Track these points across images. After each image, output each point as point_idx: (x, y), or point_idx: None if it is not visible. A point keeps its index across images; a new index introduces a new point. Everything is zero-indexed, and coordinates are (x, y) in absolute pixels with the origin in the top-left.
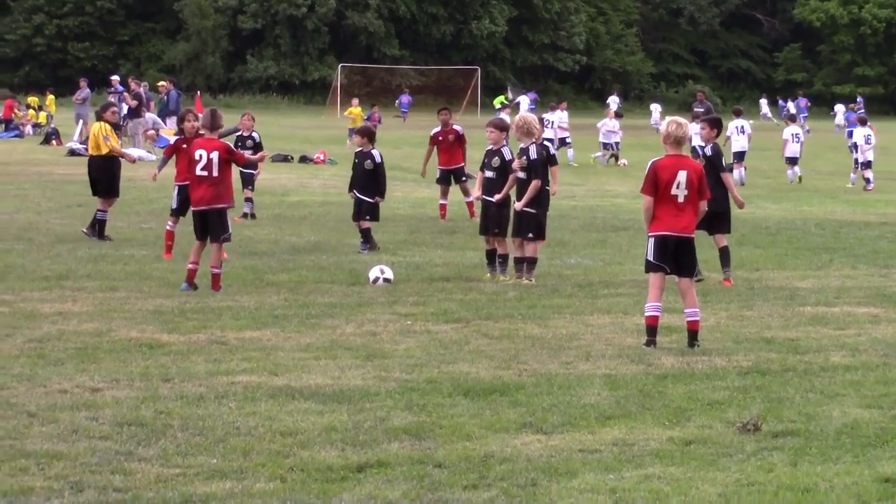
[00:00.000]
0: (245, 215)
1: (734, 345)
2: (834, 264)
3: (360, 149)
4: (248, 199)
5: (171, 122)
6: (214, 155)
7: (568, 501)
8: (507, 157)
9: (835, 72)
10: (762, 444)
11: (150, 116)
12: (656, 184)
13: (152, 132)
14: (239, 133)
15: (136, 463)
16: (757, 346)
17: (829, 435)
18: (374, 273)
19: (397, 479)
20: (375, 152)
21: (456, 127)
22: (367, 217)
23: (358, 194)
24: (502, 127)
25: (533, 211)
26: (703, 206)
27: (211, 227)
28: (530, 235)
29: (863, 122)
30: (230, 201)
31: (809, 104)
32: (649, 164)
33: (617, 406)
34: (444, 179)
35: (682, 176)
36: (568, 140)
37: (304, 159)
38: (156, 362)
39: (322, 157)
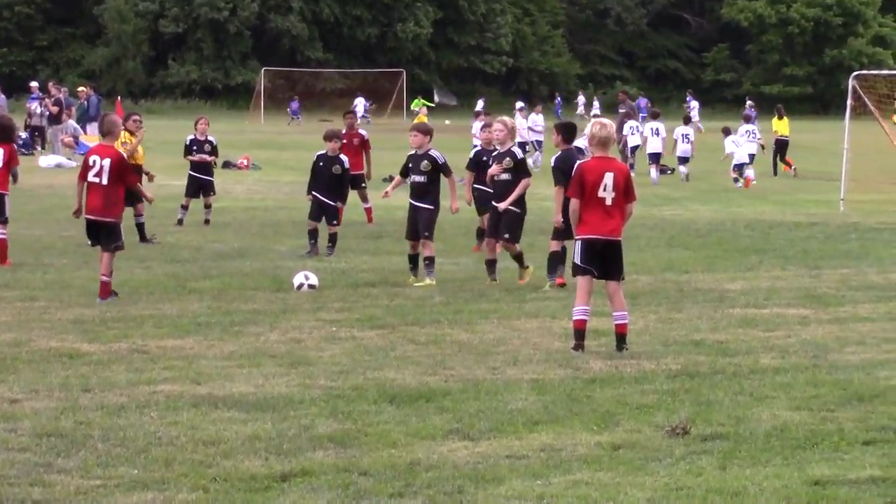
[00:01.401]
0: (206, 221)
1: (663, 348)
2: (763, 265)
3: (324, 152)
4: (208, 206)
5: (91, 128)
6: (107, 162)
7: None
8: (440, 160)
9: (763, 71)
10: (691, 447)
11: (71, 123)
12: (583, 186)
13: (70, 139)
14: (194, 137)
15: (55, 475)
16: (686, 349)
17: (759, 438)
18: (298, 279)
19: (322, 488)
20: (344, 158)
21: (361, 131)
22: (334, 222)
23: (323, 198)
24: (426, 131)
25: (518, 211)
26: (631, 208)
27: (102, 236)
28: (507, 236)
29: (654, 116)
30: (118, 216)
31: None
32: (576, 166)
33: (545, 411)
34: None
35: (608, 178)
36: (541, 144)
37: (227, 164)
38: (76, 372)
39: (245, 162)
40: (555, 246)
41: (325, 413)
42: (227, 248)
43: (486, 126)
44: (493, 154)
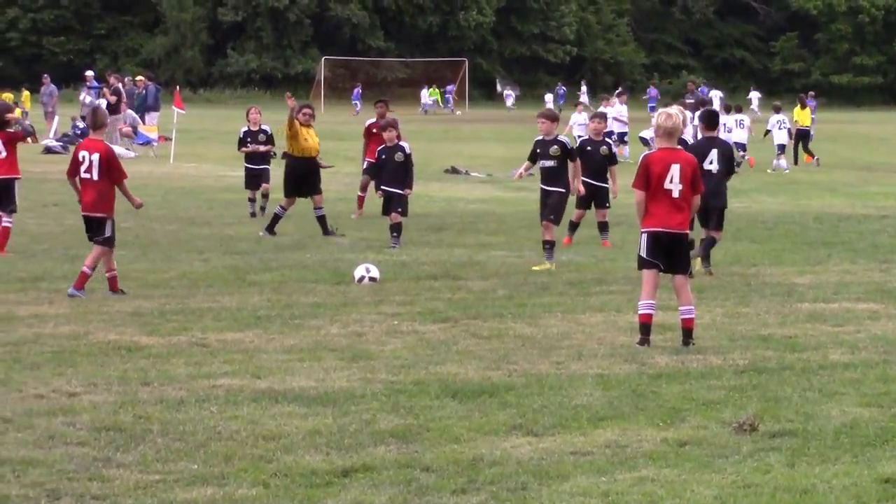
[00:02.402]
0: (262, 209)
1: (730, 343)
2: (832, 259)
3: (386, 144)
4: (266, 195)
5: (150, 117)
6: (96, 157)
7: None
8: (569, 145)
9: (833, 61)
10: (759, 444)
11: (129, 112)
12: (648, 178)
13: (128, 129)
14: (247, 129)
15: (114, 469)
16: (753, 344)
17: (828, 435)
18: (359, 272)
19: (383, 484)
20: (405, 144)
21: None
22: (399, 210)
23: (389, 188)
24: (553, 117)
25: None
26: (697, 200)
27: (94, 230)
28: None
29: (738, 110)
30: (109, 212)
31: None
32: (641, 157)
33: (609, 407)
34: (371, 172)
35: (674, 170)
36: (626, 135)
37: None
38: (135, 366)
39: None
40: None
41: (386, 408)
42: (286, 240)
43: (597, 116)
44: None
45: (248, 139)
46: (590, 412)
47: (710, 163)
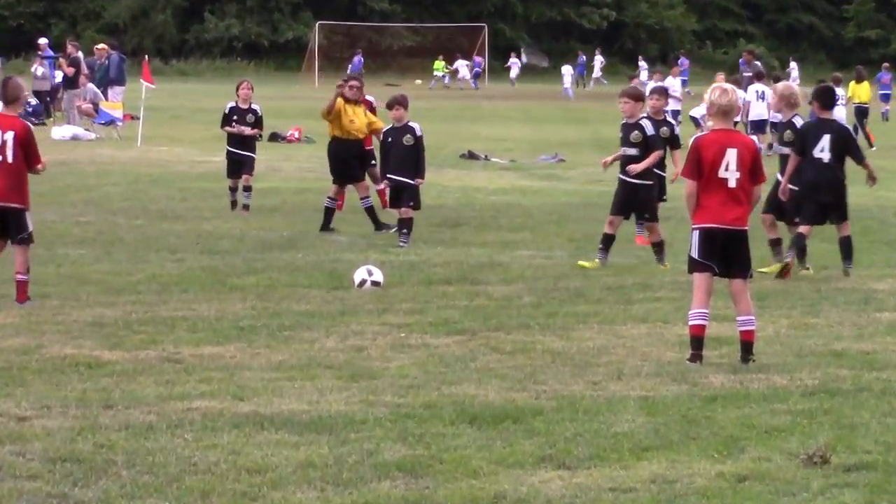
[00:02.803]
0: (245, 206)
1: (797, 359)
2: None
3: (393, 124)
4: (248, 188)
5: (114, 93)
6: (10, 136)
7: None
8: (650, 131)
9: None
10: (831, 479)
11: (90, 87)
12: (700, 165)
13: (89, 106)
14: (235, 105)
15: None
16: (824, 361)
17: None
18: (359, 275)
19: None
20: (415, 125)
21: (368, 98)
22: (411, 204)
23: (398, 177)
24: (637, 96)
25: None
26: (758, 191)
27: (11, 226)
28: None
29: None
30: (25, 202)
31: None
32: (691, 140)
33: (655, 435)
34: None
35: (731, 155)
36: (679, 114)
37: (274, 137)
38: (95, 385)
39: (296, 134)
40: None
41: (392, 436)
42: (274, 237)
43: (655, 92)
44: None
45: (235, 117)
46: (632, 441)
47: (822, 150)
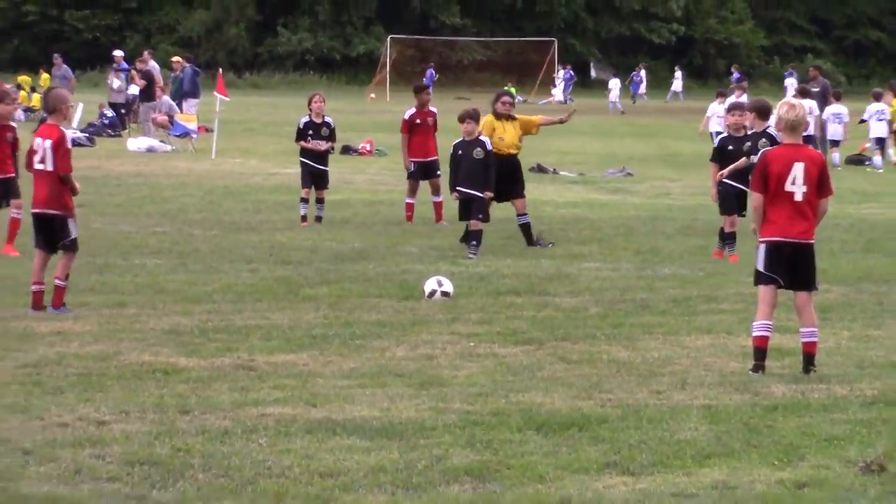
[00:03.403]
0: (317, 218)
1: (858, 370)
2: None
3: (463, 138)
4: (320, 200)
5: (188, 105)
6: (48, 144)
7: None
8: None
9: None
10: (888, 487)
11: (165, 100)
12: (767, 178)
13: (164, 118)
14: (309, 119)
15: None
16: (885, 373)
17: None
18: (430, 286)
19: None
20: (485, 139)
21: (432, 108)
22: (480, 216)
23: (467, 190)
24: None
25: None
26: (825, 205)
27: (54, 232)
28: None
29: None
30: (69, 208)
31: None
32: (760, 153)
33: (717, 442)
34: (422, 174)
35: (798, 169)
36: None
37: (346, 150)
38: (172, 391)
39: (368, 147)
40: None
41: (460, 442)
42: (346, 248)
43: (736, 108)
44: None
45: (310, 131)
46: (694, 448)
47: None
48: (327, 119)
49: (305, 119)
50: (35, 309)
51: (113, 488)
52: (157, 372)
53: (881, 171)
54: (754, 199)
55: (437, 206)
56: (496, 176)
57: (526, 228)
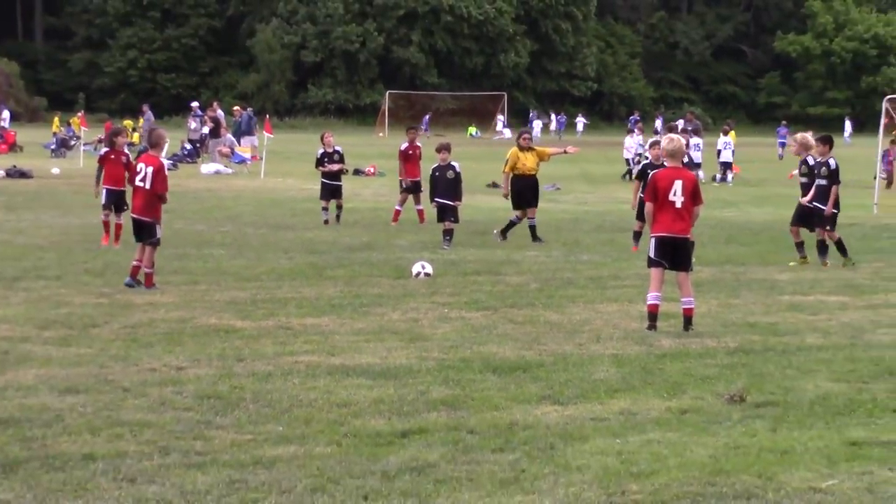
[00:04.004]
0: (337, 218)
1: (723, 328)
2: (809, 260)
3: (439, 163)
4: (339, 207)
5: (245, 141)
6: (150, 170)
7: (580, 462)
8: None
9: (809, 95)
10: (747, 413)
11: (228, 136)
12: (656, 191)
13: (227, 150)
14: (324, 150)
15: (214, 430)
16: (742, 330)
17: (804, 405)
18: (416, 268)
19: (436, 444)
20: (455, 164)
21: (418, 143)
22: (452, 219)
23: (443, 200)
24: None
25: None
26: (698, 210)
27: (144, 234)
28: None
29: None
30: (158, 216)
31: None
32: (650, 175)
33: (623, 381)
34: (411, 189)
35: (678, 185)
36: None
37: (357, 172)
38: (231, 345)
39: (372, 170)
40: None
41: (438, 381)
42: (356, 242)
43: (655, 144)
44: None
45: (325, 159)
46: (606, 385)
47: (823, 178)
48: (337, 148)
49: (321, 150)
50: (131, 277)
51: (188, 416)
52: (220, 331)
53: (731, 185)
54: (647, 206)
55: (420, 213)
56: (522, 190)
57: (533, 229)
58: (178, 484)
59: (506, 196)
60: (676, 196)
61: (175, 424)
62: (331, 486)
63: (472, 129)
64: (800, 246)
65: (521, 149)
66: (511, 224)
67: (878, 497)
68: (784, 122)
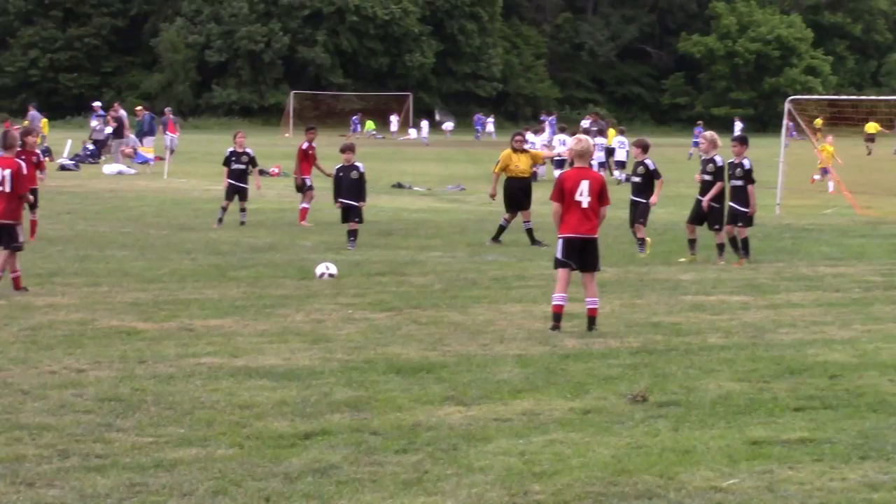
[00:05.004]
0: (241, 223)
1: (626, 328)
2: (711, 260)
3: (342, 164)
4: (243, 210)
5: (147, 141)
6: (7, 172)
7: (483, 463)
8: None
9: (713, 96)
10: (649, 412)
11: (131, 137)
12: (563, 192)
13: (130, 150)
14: (233, 150)
15: (115, 433)
16: (645, 330)
17: (706, 404)
18: (320, 269)
19: (339, 445)
20: (359, 164)
21: (314, 144)
22: (356, 219)
23: (348, 201)
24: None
25: (717, 206)
26: (604, 211)
27: (4, 237)
28: (717, 227)
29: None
30: (19, 219)
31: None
32: (557, 175)
33: (526, 381)
34: (305, 187)
35: (584, 185)
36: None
37: (261, 172)
38: (133, 347)
39: (277, 170)
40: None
41: (341, 382)
42: (260, 242)
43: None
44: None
45: (233, 158)
46: (510, 386)
47: (739, 179)
48: (247, 150)
49: (230, 149)
50: (16, 289)
51: (88, 418)
52: (122, 333)
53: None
54: (554, 206)
55: (303, 211)
56: (514, 192)
57: (530, 232)
58: (78, 487)
59: (492, 196)
60: (583, 196)
61: (75, 427)
62: (232, 488)
63: (372, 125)
64: (692, 243)
65: (515, 150)
66: (501, 229)
67: (778, 496)
68: (700, 123)
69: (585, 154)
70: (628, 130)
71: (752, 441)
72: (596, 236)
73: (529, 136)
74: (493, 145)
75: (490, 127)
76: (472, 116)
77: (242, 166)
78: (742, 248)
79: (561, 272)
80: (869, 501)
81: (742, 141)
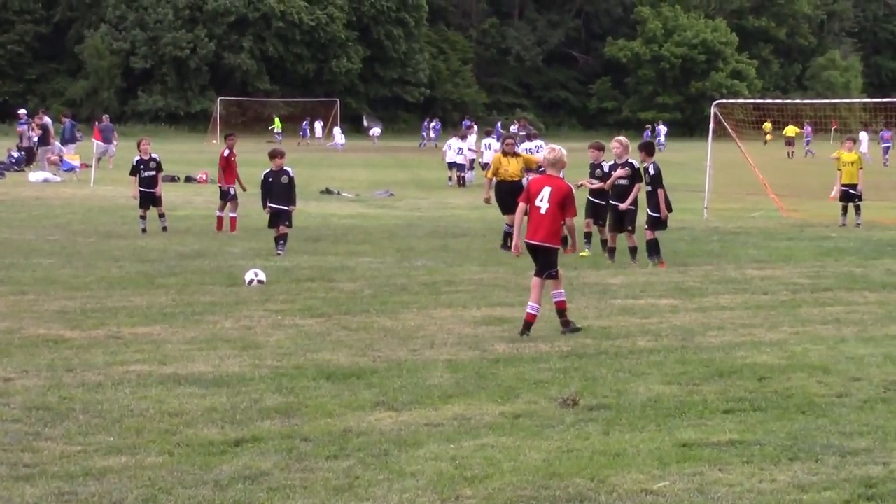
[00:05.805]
0: (163, 228)
1: (556, 332)
2: (639, 263)
3: (270, 169)
4: (162, 215)
5: (70, 147)
6: None
7: (414, 468)
8: (606, 168)
9: (640, 100)
10: (580, 416)
11: (57, 144)
12: (529, 196)
13: (56, 157)
14: (140, 158)
15: (43, 442)
16: (575, 334)
17: (636, 407)
18: (249, 275)
19: (269, 452)
20: (289, 169)
21: (235, 151)
22: (286, 224)
23: (278, 206)
24: (601, 147)
25: (634, 209)
26: (570, 222)
27: None
28: (630, 228)
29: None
30: None
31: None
32: (528, 179)
33: (457, 386)
34: (227, 195)
35: (546, 192)
36: (474, 162)
37: (188, 179)
38: (60, 355)
39: (204, 177)
40: (649, 235)
41: (271, 388)
42: (188, 249)
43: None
44: (612, 165)
45: (141, 166)
46: (440, 391)
47: (648, 184)
48: (154, 155)
49: (137, 157)
50: None
51: (16, 427)
52: (49, 341)
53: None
54: (519, 207)
55: (233, 221)
56: (504, 195)
57: (507, 236)
58: (6, 497)
59: (486, 201)
60: (542, 202)
61: (2, 437)
62: (162, 496)
63: (279, 124)
64: (612, 252)
65: (506, 154)
66: (507, 234)
67: (708, 498)
68: (647, 127)
69: (557, 163)
70: (556, 135)
71: (682, 443)
72: (549, 245)
73: (454, 141)
74: (428, 151)
75: (433, 133)
76: (423, 123)
77: (152, 172)
78: (653, 249)
79: (533, 281)
80: (798, 502)
81: (646, 148)
